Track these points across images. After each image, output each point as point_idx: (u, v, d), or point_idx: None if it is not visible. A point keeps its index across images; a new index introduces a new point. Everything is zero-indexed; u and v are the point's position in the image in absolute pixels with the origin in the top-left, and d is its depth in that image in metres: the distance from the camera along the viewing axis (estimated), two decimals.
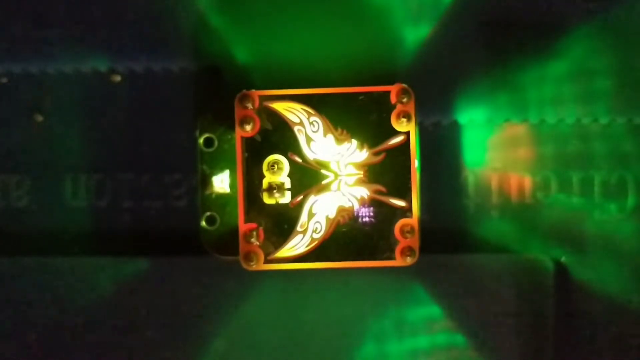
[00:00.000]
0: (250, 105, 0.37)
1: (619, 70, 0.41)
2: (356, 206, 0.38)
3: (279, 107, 0.38)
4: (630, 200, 0.41)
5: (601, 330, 0.41)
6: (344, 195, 0.38)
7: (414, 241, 0.37)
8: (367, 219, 0.38)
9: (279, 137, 0.38)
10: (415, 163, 0.38)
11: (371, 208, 0.38)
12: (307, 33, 0.41)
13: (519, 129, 0.42)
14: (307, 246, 0.38)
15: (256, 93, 0.38)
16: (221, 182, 0.39)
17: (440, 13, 0.41)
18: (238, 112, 0.38)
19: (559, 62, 0.41)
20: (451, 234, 0.42)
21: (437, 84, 0.42)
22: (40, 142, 0.42)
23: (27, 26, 0.42)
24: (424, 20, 0.41)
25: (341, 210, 0.38)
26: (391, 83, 0.38)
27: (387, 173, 0.38)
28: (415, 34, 0.41)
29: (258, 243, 0.37)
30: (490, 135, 0.42)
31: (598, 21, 0.41)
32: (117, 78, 0.42)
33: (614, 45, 0.42)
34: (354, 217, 0.38)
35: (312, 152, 0.38)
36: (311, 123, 0.38)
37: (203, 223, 0.39)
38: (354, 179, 0.38)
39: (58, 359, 0.41)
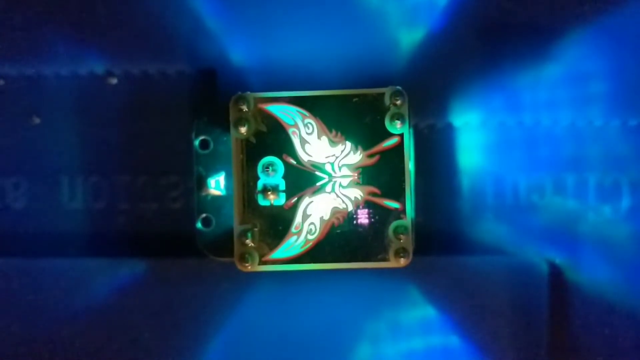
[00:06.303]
0: (245, 108, 0.38)
1: (614, 73, 0.41)
2: (350, 208, 0.38)
3: (274, 109, 0.38)
4: (625, 202, 0.41)
5: (595, 331, 0.41)
6: (338, 196, 0.38)
7: (408, 242, 0.37)
8: (361, 221, 0.38)
9: (273, 139, 0.38)
10: (409, 165, 0.38)
11: (365, 210, 0.38)
12: (302, 36, 0.41)
13: (514, 131, 0.42)
14: (301, 247, 0.38)
15: (251, 95, 0.38)
16: (217, 184, 0.39)
17: (435, 16, 0.41)
18: (233, 114, 0.38)
19: (553, 65, 0.41)
20: (446, 235, 0.42)
21: (432, 86, 0.42)
22: (37, 145, 0.42)
23: (24, 29, 0.42)
24: (419, 23, 0.41)
25: (335, 211, 0.38)
26: (386, 85, 0.38)
27: (381, 175, 0.38)
28: (410, 36, 0.41)
29: (253, 244, 0.38)
30: (485, 137, 0.42)
31: (592, 24, 0.41)
32: (114, 80, 0.42)
33: (608, 48, 0.42)
34: (348, 219, 0.38)
35: (307, 154, 0.38)
36: (305, 125, 0.38)
37: (199, 225, 0.40)
38: (348, 180, 0.38)
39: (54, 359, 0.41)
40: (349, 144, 0.38)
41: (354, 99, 0.38)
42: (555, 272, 0.41)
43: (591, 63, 0.41)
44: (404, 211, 0.38)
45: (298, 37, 0.41)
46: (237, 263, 0.38)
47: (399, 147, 0.38)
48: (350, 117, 0.38)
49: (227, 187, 0.39)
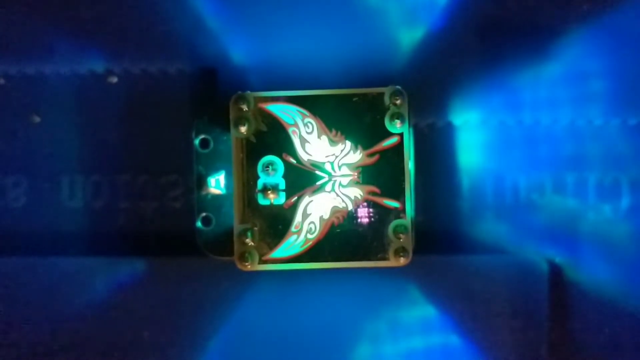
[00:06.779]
0: (245, 107, 0.38)
1: (614, 72, 0.41)
2: (350, 207, 0.38)
3: (274, 108, 0.38)
4: (625, 201, 0.41)
5: (595, 330, 0.41)
6: (338, 196, 0.38)
7: (408, 242, 0.37)
8: (361, 220, 0.38)
9: (273, 138, 0.38)
10: (409, 164, 0.38)
11: (365, 209, 0.38)
12: (302, 35, 0.41)
13: (514, 130, 0.42)
14: (301, 247, 0.38)
15: (251, 94, 0.38)
16: (217, 183, 0.39)
17: (435, 15, 0.41)
18: (233, 114, 0.38)
19: (553, 64, 0.41)
20: (446, 234, 0.42)
21: (432, 85, 0.42)
22: (37, 143, 0.42)
23: (24, 27, 0.42)
24: (419, 22, 0.41)
25: (335, 211, 0.38)
26: (386, 85, 0.38)
27: (381, 174, 0.38)
28: (410, 35, 0.41)
29: (253, 244, 0.38)
30: (485, 136, 0.42)
31: (592, 23, 0.41)
32: (114, 79, 0.42)
33: (608, 47, 0.42)
34: (348, 218, 0.38)
35: (307, 153, 0.38)
36: (305, 124, 0.38)
37: (199, 224, 0.40)
38: (348, 180, 0.38)
39: (54, 359, 0.41)
40: (348, 143, 0.38)
41: (354, 99, 0.38)
42: (555, 271, 0.41)
43: (591, 62, 0.41)
44: (403, 210, 0.38)
45: (298, 36, 0.41)
46: (237, 262, 0.38)
47: (399, 146, 0.38)
48: (350, 116, 0.38)
49: (227, 186, 0.39)
